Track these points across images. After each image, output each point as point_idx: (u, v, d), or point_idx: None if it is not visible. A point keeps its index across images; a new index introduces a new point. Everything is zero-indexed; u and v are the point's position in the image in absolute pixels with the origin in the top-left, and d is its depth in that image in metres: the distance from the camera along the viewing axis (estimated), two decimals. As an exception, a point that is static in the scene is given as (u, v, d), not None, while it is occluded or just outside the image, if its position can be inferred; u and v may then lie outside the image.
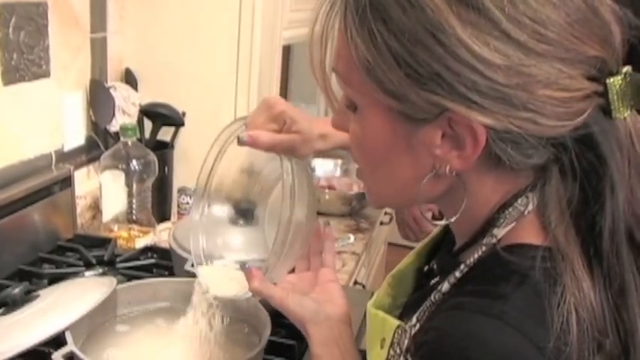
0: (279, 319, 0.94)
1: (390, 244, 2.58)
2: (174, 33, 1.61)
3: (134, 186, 1.46)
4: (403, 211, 1.70)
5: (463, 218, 0.64)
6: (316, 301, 0.81)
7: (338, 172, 2.05)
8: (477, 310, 0.55)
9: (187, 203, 1.54)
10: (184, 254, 1.11)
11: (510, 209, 0.60)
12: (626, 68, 0.58)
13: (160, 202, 1.61)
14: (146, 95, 1.64)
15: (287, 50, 3.49)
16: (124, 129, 1.42)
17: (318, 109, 3.60)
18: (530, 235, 0.60)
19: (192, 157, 1.66)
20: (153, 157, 1.46)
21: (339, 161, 2.06)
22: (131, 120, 1.53)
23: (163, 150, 1.60)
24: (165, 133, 1.64)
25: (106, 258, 1.33)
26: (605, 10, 0.57)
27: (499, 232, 0.61)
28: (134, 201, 1.48)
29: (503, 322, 0.53)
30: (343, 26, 0.59)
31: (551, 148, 0.57)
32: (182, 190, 1.57)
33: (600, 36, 0.56)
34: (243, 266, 0.89)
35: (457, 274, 0.62)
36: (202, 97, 1.63)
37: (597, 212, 0.57)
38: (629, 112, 0.58)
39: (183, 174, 1.66)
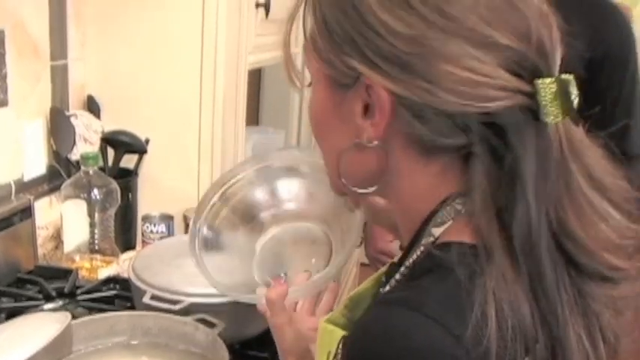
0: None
1: (362, 264, 2.57)
2: (136, 59, 1.60)
3: (96, 215, 1.44)
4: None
5: (405, 218, 0.66)
6: (303, 335, 0.85)
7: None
8: (397, 303, 0.56)
9: (151, 232, 1.52)
10: (143, 286, 1.09)
11: (448, 208, 0.61)
12: (567, 76, 0.58)
13: (124, 230, 1.59)
14: (110, 122, 1.62)
15: (258, 74, 3.49)
16: (84, 158, 1.40)
17: (289, 134, 3.60)
18: (465, 234, 0.59)
19: (157, 184, 1.65)
20: (115, 185, 1.44)
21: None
22: (93, 148, 1.51)
23: (127, 177, 1.58)
24: (129, 161, 1.62)
25: (66, 290, 1.30)
26: (527, 5, 0.58)
27: (436, 231, 0.61)
28: (96, 230, 1.45)
29: (422, 314, 0.53)
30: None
31: (462, 131, 0.58)
32: (146, 218, 1.55)
33: (516, 27, 0.57)
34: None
35: (397, 276, 0.63)
36: (166, 123, 1.61)
37: (509, 211, 0.56)
38: (561, 118, 0.57)
39: (148, 201, 1.64)
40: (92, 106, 1.61)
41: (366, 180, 0.65)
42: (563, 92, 0.57)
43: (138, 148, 1.52)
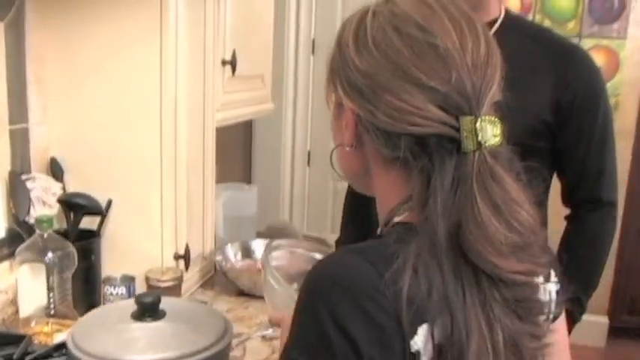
0: None
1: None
2: (99, 120, 1.60)
3: (53, 279, 1.42)
4: None
5: (381, 208, 0.85)
6: None
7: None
8: (347, 249, 0.77)
9: (111, 294, 1.50)
10: (79, 354, 1.07)
11: (406, 205, 0.79)
12: (489, 117, 0.74)
13: (87, 293, 1.56)
14: (74, 184, 1.62)
15: (249, 126, 3.52)
16: (39, 221, 1.39)
17: (284, 184, 3.60)
18: (413, 220, 0.77)
19: (120, 245, 1.63)
20: (72, 248, 1.43)
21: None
22: (52, 211, 1.50)
23: (90, 239, 1.57)
24: (93, 222, 1.61)
25: (15, 357, 1.28)
26: (452, 59, 0.75)
27: (397, 219, 0.79)
28: (54, 294, 1.43)
29: (360, 256, 0.74)
30: None
31: (397, 147, 0.76)
32: (107, 281, 1.53)
33: (441, 75, 0.74)
34: None
35: None
36: (129, 184, 1.61)
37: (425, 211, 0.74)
38: (477, 150, 0.73)
39: (113, 262, 1.62)
40: (55, 169, 1.61)
41: (356, 174, 0.89)
42: (481, 129, 0.73)
43: (95, 210, 1.51)
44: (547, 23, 3.34)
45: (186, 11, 1.59)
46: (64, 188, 1.59)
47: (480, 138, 0.73)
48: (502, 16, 1.55)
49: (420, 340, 0.70)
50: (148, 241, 1.62)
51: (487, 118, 0.74)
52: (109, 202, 1.59)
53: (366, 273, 0.71)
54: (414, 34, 0.76)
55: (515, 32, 1.53)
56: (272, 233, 2.10)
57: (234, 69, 1.82)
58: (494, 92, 0.76)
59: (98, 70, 1.58)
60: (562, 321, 0.92)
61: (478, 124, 0.73)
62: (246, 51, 1.94)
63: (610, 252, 1.64)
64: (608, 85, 3.32)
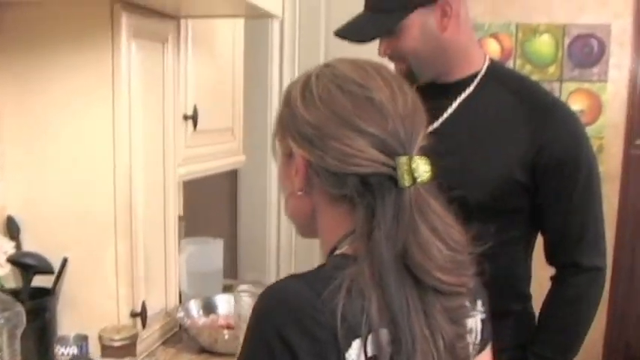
0: None
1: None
2: (54, 177, 1.59)
3: (2, 339, 1.40)
4: None
5: (323, 247, 0.95)
6: None
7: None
8: (290, 276, 0.87)
9: (62, 354, 1.48)
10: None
11: (348, 239, 0.89)
12: (420, 157, 0.87)
13: (41, 352, 1.54)
14: (30, 243, 1.61)
15: (234, 176, 3.52)
16: (-15, 282, 1.37)
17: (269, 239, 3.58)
18: (351, 251, 0.89)
19: (77, 303, 1.61)
20: (20, 308, 1.41)
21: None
22: (4, 270, 1.49)
23: (43, 298, 1.55)
24: (50, 279, 1.59)
25: (-45, 423, 1.25)
26: (387, 110, 0.88)
27: (338, 251, 0.90)
28: (2, 354, 1.41)
29: (300, 280, 0.85)
30: None
31: (344, 185, 0.87)
32: (59, 340, 1.50)
33: (378, 123, 0.87)
34: None
35: None
36: (84, 241, 1.59)
37: (372, 240, 0.85)
38: (412, 185, 0.86)
39: (69, 321, 1.60)
40: (12, 227, 1.61)
41: (305, 218, 0.97)
42: (416, 167, 0.86)
43: (45, 269, 1.49)
44: (528, 68, 3.36)
45: (142, 63, 1.60)
46: (17, 247, 1.58)
47: (415, 174, 0.85)
48: (485, 67, 1.52)
49: (354, 353, 0.81)
50: (104, 299, 1.60)
51: (418, 157, 0.87)
52: (65, 260, 1.58)
53: (305, 294, 0.82)
54: (354, 90, 0.89)
55: (496, 85, 1.50)
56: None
57: (195, 123, 1.83)
58: (422, 137, 0.90)
59: (53, 124, 1.57)
60: (488, 354, 1.04)
61: (414, 164, 0.86)
62: (211, 105, 1.95)
63: (602, 297, 1.55)
64: (591, 128, 3.32)
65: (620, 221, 3.37)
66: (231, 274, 3.21)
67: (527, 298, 1.61)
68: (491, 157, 1.45)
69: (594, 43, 3.34)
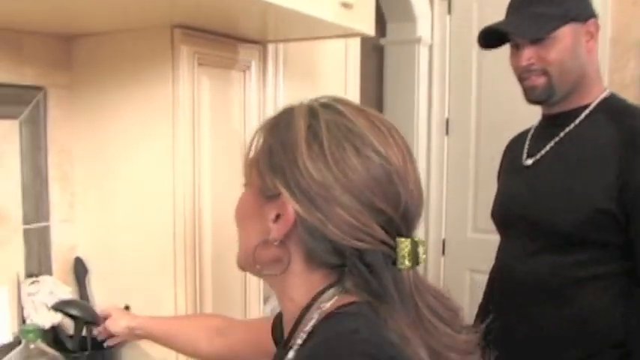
0: None
1: None
2: (124, 220, 1.49)
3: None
4: None
5: (289, 304, 0.86)
6: None
7: None
8: (338, 331, 0.77)
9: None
10: None
11: (331, 290, 0.82)
12: (419, 239, 0.82)
13: (97, 408, 1.42)
14: (98, 286, 1.52)
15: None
16: (25, 331, 1.27)
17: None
18: (352, 300, 0.81)
19: (134, 356, 1.48)
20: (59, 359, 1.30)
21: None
22: (52, 318, 1.39)
23: (99, 350, 1.43)
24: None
25: None
26: (403, 186, 0.81)
27: (326, 304, 0.82)
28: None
29: (358, 334, 0.77)
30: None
31: (338, 255, 0.81)
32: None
33: (390, 199, 0.80)
34: None
35: (299, 341, 0.81)
36: (143, 287, 1.46)
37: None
38: (410, 268, 0.80)
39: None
40: (79, 269, 1.52)
41: (263, 265, 0.86)
42: (414, 250, 0.80)
43: (89, 319, 1.36)
44: None
45: (212, 94, 1.45)
46: (82, 290, 1.49)
47: (413, 257, 0.80)
48: (598, 100, 1.52)
49: None
50: (164, 353, 1.45)
51: (419, 240, 0.82)
52: (126, 309, 1.46)
53: (377, 342, 0.77)
54: (372, 157, 0.80)
55: (604, 119, 1.48)
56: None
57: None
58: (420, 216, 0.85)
59: (122, 163, 1.48)
60: None
61: (419, 248, 0.81)
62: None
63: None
64: None
65: None
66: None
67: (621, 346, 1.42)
68: (581, 187, 1.45)
69: None
